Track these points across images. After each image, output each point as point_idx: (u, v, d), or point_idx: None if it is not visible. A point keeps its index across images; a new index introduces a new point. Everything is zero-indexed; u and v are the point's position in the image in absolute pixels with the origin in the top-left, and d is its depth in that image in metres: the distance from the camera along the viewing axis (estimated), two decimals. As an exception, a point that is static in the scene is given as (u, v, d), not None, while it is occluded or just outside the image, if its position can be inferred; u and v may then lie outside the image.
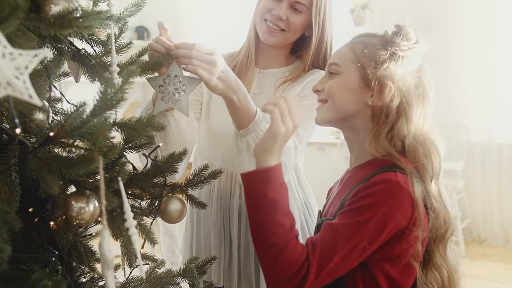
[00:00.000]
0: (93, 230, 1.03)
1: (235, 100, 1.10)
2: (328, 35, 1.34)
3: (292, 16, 1.29)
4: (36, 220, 0.83)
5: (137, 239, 0.71)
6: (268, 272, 0.95)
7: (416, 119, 1.01)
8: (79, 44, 0.94)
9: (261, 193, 0.95)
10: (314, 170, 2.63)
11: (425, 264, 1.01)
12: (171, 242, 3.14)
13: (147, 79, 1.10)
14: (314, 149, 3.96)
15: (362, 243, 0.91)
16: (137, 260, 0.87)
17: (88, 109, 0.70)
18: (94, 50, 0.96)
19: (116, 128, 0.74)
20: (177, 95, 1.05)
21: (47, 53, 0.84)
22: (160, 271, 1.06)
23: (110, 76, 0.88)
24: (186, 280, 1.03)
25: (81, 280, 0.98)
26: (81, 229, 0.97)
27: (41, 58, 0.55)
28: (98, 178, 0.68)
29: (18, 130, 0.66)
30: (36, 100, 0.54)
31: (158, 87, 1.07)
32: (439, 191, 1.02)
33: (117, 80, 0.76)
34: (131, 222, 0.70)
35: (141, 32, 5.38)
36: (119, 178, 0.71)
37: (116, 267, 1.13)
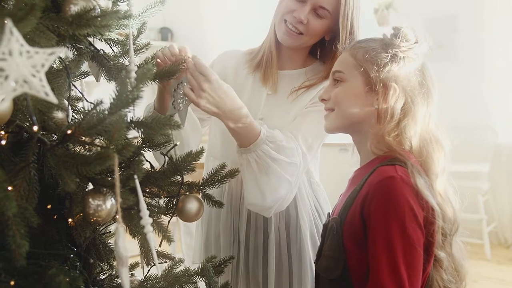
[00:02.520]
0: (112, 228, 1.04)
1: (230, 125, 1.13)
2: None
3: (313, 21, 1.25)
4: (55, 217, 0.84)
5: (152, 237, 0.72)
6: None
7: (421, 118, 1.02)
8: (100, 44, 0.95)
9: None
10: (336, 171, 2.61)
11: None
12: (192, 242, 3.15)
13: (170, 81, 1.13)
14: (336, 150, 3.93)
15: (412, 254, 0.91)
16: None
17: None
18: (113, 50, 0.97)
19: (133, 126, 0.75)
20: (180, 104, 1.08)
21: (65, 52, 0.85)
22: (178, 269, 1.07)
23: (126, 75, 0.88)
24: (203, 279, 1.03)
25: (100, 277, 1.00)
26: (100, 227, 0.98)
27: (57, 56, 0.56)
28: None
29: (35, 128, 0.67)
30: (52, 98, 0.55)
31: (173, 91, 1.10)
32: (444, 189, 1.02)
33: (134, 79, 0.76)
34: (146, 220, 0.70)
35: (165, 33, 5.43)
36: (135, 176, 0.71)
37: (135, 265, 1.14)
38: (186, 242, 3.19)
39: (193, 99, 1.07)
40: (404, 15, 4.21)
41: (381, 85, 1.01)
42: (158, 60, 1.08)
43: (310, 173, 1.42)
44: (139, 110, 0.84)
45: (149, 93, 0.86)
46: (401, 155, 0.99)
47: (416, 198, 0.94)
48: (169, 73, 0.99)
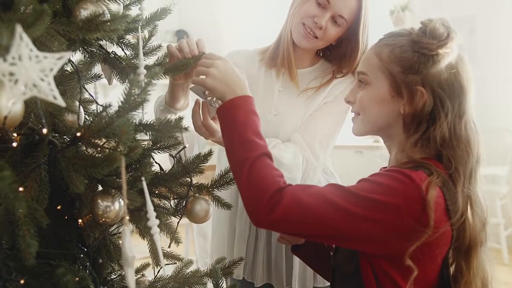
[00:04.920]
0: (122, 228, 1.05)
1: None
2: (368, 46, 1.34)
3: (330, 28, 1.30)
4: (66, 218, 0.86)
5: (159, 238, 0.72)
6: (244, 191, 0.92)
7: (450, 121, 0.94)
8: (112, 47, 0.97)
9: (231, 118, 0.97)
10: (351, 174, 2.60)
11: (456, 273, 0.96)
12: (205, 243, 3.17)
13: (190, 88, 1.14)
14: (351, 153, 3.91)
15: (344, 209, 0.86)
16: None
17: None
18: (125, 53, 0.99)
19: (141, 129, 0.76)
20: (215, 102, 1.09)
21: (74, 55, 0.86)
22: (188, 270, 1.08)
23: (135, 77, 0.90)
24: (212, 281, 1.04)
25: (110, 277, 1.01)
26: (111, 228, 0.99)
27: (66, 61, 0.57)
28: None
29: (45, 130, 0.69)
30: (60, 101, 0.56)
31: (203, 94, 1.10)
32: (472, 196, 0.95)
33: (142, 81, 0.78)
34: (153, 221, 0.71)
35: (181, 35, 5.47)
36: (143, 178, 0.72)
37: (146, 266, 1.16)
38: (199, 243, 3.21)
39: (201, 82, 1.03)
40: (421, 17, 4.17)
41: (407, 89, 0.95)
42: (172, 51, 1.07)
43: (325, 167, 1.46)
44: (150, 106, 0.85)
45: (159, 87, 0.87)
46: (428, 164, 0.93)
47: (415, 204, 0.86)
48: (183, 67, 1.00)
